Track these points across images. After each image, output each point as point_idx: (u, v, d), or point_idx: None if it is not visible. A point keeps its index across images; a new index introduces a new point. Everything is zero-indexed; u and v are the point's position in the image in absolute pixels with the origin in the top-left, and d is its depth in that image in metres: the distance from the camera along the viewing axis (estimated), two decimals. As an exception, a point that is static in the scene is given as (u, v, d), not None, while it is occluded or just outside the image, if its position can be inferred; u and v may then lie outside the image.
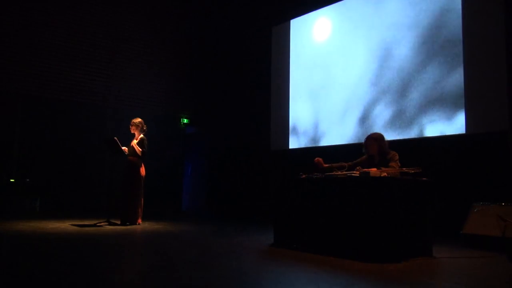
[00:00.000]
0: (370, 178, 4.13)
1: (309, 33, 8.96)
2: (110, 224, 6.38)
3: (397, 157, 4.70)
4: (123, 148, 6.52)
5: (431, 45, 6.80)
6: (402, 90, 7.14)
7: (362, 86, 7.75)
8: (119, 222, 6.50)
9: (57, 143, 9.21)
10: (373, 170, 4.24)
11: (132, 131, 6.70)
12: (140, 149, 6.54)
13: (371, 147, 4.86)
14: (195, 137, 11.45)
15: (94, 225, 6.30)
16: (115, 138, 6.44)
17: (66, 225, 6.22)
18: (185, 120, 11.01)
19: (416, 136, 6.85)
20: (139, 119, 6.76)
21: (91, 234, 5.28)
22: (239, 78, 10.85)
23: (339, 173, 4.61)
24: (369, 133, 5.14)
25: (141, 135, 6.68)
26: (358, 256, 3.90)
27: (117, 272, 3.04)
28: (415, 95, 6.94)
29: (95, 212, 9.22)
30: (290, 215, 4.82)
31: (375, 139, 4.84)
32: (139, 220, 6.61)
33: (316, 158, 4.92)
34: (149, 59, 10.69)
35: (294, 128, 9.05)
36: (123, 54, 10.32)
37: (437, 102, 6.64)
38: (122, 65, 10.26)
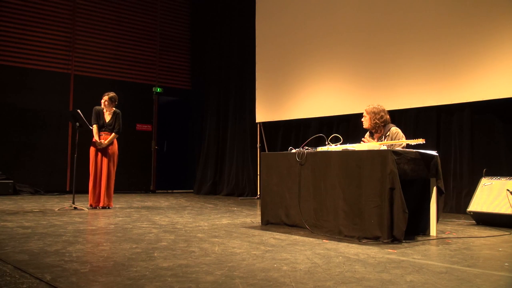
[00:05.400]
0: (367, 151, 3.96)
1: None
2: (77, 208, 6.09)
3: (399, 135, 4.53)
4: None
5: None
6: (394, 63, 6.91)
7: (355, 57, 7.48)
8: (89, 206, 6.24)
9: (16, 113, 8.92)
10: (372, 143, 4.10)
11: (108, 106, 6.42)
12: (118, 125, 6.45)
13: (364, 121, 4.73)
14: (171, 109, 11.10)
15: (59, 210, 6.04)
16: (78, 110, 6.25)
17: (29, 208, 5.94)
18: (158, 89, 10.64)
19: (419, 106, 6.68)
20: (112, 93, 6.53)
21: (59, 220, 4.99)
22: (221, 45, 10.45)
23: (333, 146, 4.42)
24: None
25: (115, 109, 6.54)
26: (355, 236, 3.81)
27: (96, 260, 2.83)
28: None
29: (57, 192, 8.97)
30: (279, 192, 4.64)
31: (368, 112, 4.70)
32: (111, 203, 6.41)
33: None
34: (117, 20, 10.21)
35: (281, 99, 8.77)
36: (88, 17, 9.84)
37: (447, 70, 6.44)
38: (86, 29, 9.80)
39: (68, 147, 9.40)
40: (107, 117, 6.42)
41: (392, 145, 4.35)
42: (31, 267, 2.70)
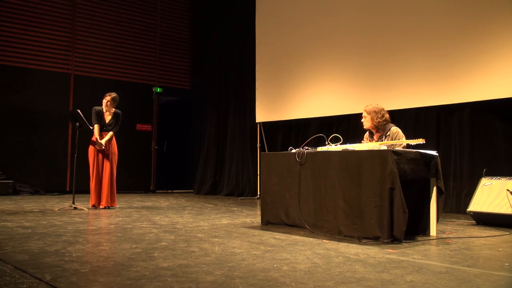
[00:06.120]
0: (367, 151, 3.96)
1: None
2: (77, 208, 6.09)
3: (399, 135, 4.52)
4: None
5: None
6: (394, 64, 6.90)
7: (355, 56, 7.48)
8: (92, 206, 6.24)
9: (16, 113, 8.92)
10: (372, 143, 4.10)
11: (108, 105, 6.43)
12: (117, 126, 6.47)
13: (364, 122, 4.72)
14: (171, 109, 11.11)
15: (59, 210, 6.04)
16: (78, 110, 6.24)
17: (29, 208, 5.94)
18: (158, 89, 10.64)
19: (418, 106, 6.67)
20: (114, 94, 6.54)
21: (59, 220, 4.99)
22: (221, 45, 10.45)
23: (333, 146, 4.42)
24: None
25: (116, 110, 6.54)
26: (355, 236, 3.81)
27: (96, 260, 2.83)
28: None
29: (57, 192, 8.98)
30: (279, 192, 4.64)
31: (368, 112, 4.67)
32: (115, 203, 6.44)
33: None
34: (117, 20, 10.21)
35: (281, 99, 8.77)
36: (88, 17, 9.84)
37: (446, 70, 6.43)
38: (86, 29, 9.81)
39: (68, 147, 9.40)
40: (107, 118, 6.42)
41: (392, 145, 4.35)
42: (31, 267, 2.70)
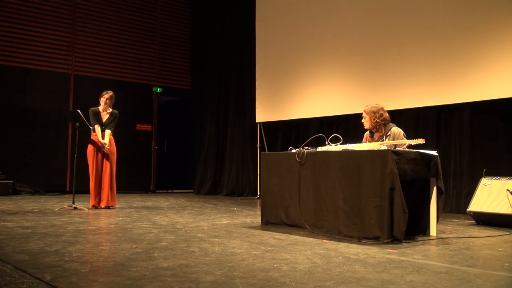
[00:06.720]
0: (367, 151, 3.97)
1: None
2: (77, 208, 6.09)
3: (401, 136, 4.52)
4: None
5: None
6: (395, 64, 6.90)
7: (353, 56, 7.48)
8: (92, 206, 6.23)
9: (16, 113, 8.93)
10: (372, 143, 4.10)
11: (107, 103, 6.43)
12: (114, 125, 6.45)
13: (364, 122, 4.72)
14: (171, 109, 11.11)
15: (60, 210, 6.03)
16: (78, 110, 6.24)
17: (29, 208, 5.94)
18: (158, 89, 10.65)
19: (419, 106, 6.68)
20: (112, 92, 6.51)
21: (59, 221, 4.99)
22: (221, 45, 10.45)
23: (333, 146, 4.42)
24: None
25: (112, 109, 6.52)
26: (355, 236, 3.81)
27: (96, 260, 2.83)
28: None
29: (57, 192, 8.98)
30: (279, 192, 4.64)
31: (367, 112, 4.68)
32: (115, 203, 6.44)
33: None
34: (117, 20, 10.21)
35: (281, 99, 8.77)
36: (88, 17, 9.84)
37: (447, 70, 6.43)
38: (86, 29, 9.80)
39: (68, 147, 9.40)
40: (104, 117, 6.40)
41: (393, 145, 4.34)
42: (31, 267, 2.70)
